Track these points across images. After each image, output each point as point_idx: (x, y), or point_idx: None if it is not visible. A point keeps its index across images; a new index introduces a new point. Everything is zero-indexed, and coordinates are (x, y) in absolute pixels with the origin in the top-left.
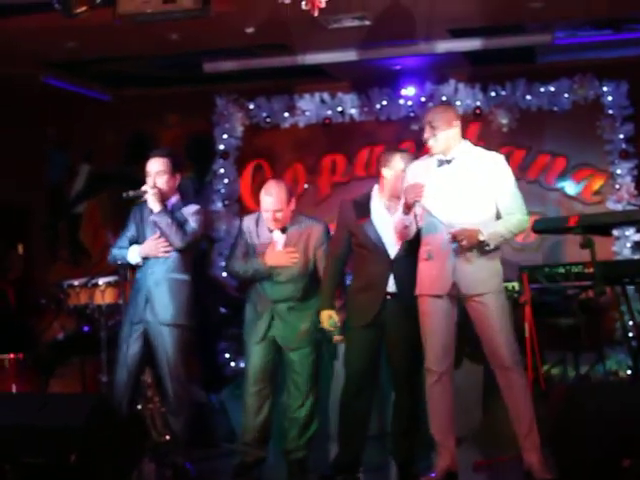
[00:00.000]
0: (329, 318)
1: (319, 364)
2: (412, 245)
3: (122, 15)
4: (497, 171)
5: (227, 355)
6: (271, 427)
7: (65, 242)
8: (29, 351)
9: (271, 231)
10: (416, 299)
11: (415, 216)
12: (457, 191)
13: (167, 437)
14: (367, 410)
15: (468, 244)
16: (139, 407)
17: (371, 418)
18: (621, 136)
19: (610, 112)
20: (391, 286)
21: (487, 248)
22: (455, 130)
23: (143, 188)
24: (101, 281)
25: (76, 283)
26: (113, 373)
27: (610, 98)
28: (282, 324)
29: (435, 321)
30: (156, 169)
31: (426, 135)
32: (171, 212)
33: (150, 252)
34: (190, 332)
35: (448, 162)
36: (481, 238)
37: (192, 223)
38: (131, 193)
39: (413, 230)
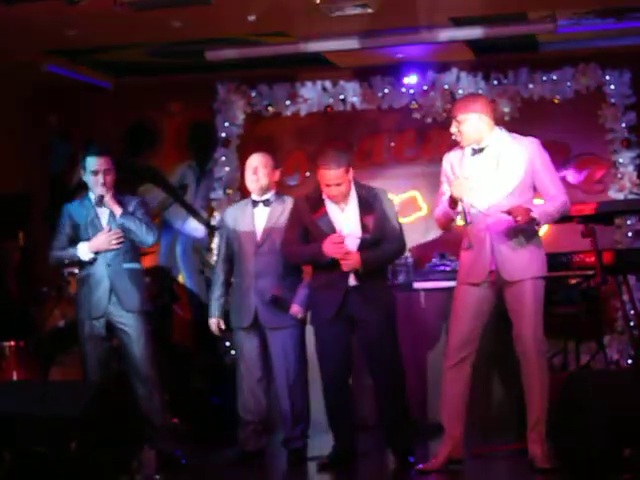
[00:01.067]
0: None
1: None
2: (366, 242)
3: (123, 2)
4: (531, 156)
5: (227, 343)
6: (269, 414)
7: None
8: (30, 339)
9: (255, 205)
10: (379, 290)
11: (463, 210)
12: (492, 178)
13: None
14: (348, 402)
15: (523, 220)
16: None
17: (369, 408)
18: (623, 125)
19: (612, 101)
20: (352, 280)
21: (537, 227)
22: (484, 118)
23: (98, 192)
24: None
25: (77, 271)
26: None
27: (613, 87)
28: (265, 304)
29: (466, 309)
30: (104, 167)
31: (451, 129)
32: (131, 212)
33: (102, 246)
34: (149, 317)
35: (480, 151)
36: (533, 215)
37: (148, 220)
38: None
39: (455, 224)
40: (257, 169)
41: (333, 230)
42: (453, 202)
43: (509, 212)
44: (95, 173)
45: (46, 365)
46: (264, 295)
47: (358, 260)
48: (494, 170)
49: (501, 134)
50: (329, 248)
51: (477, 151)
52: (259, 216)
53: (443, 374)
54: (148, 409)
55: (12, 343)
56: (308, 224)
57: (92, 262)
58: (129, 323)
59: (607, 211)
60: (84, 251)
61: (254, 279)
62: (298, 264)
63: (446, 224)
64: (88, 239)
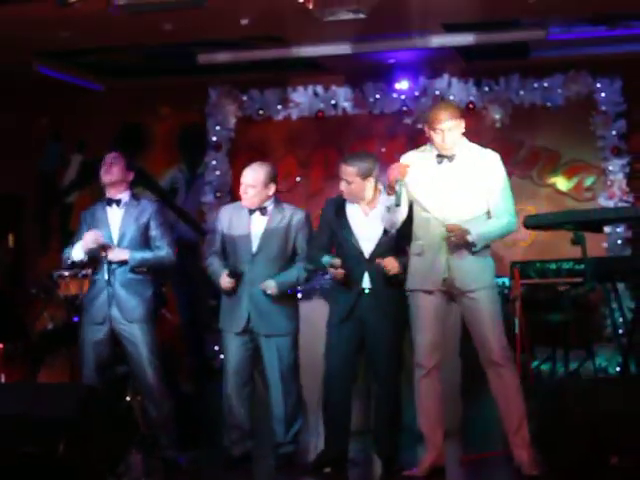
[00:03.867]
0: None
1: (297, 354)
2: (387, 245)
3: (117, 5)
4: (492, 170)
5: (216, 347)
6: (253, 419)
7: (56, 232)
8: (19, 341)
9: (252, 212)
10: (392, 296)
11: (398, 197)
12: (454, 188)
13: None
14: (348, 405)
15: (456, 241)
16: (128, 398)
17: (357, 414)
18: (614, 133)
19: (603, 108)
20: (366, 283)
21: (473, 249)
22: (460, 127)
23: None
24: (91, 272)
25: (66, 273)
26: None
27: (603, 94)
28: (259, 310)
29: (425, 316)
30: (109, 160)
31: (435, 137)
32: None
33: (88, 244)
34: (155, 326)
35: (449, 159)
36: (469, 239)
37: (165, 231)
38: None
39: (398, 217)
40: (247, 188)
41: (352, 234)
42: (389, 187)
43: (449, 229)
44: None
45: (35, 367)
46: (258, 302)
47: (397, 265)
48: (459, 181)
49: (467, 144)
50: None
51: (445, 158)
52: (256, 224)
53: (416, 385)
54: (154, 417)
55: (1, 345)
56: (333, 226)
57: (97, 266)
58: (132, 333)
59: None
60: (76, 251)
61: (248, 285)
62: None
63: (389, 219)
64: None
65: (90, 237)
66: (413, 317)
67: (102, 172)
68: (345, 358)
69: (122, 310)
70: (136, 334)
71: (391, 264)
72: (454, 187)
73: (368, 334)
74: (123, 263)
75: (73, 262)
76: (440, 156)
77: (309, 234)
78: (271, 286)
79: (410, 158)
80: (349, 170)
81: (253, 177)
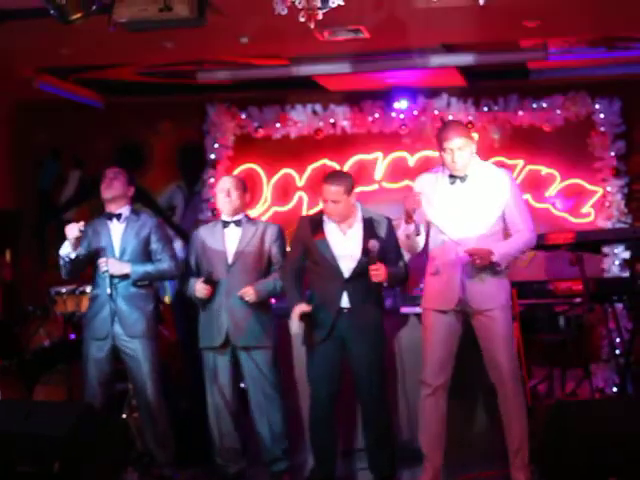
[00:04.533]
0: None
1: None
2: (365, 265)
3: (117, 23)
4: (506, 188)
5: None
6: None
7: (54, 249)
8: (14, 358)
9: (226, 225)
10: (370, 315)
11: (417, 226)
12: (468, 208)
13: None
14: (333, 421)
15: (481, 263)
16: (124, 416)
17: (350, 433)
18: (612, 154)
19: (602, 129)
20: (345, 303)
21: (498, 269)
22: (471, 146)
23: (101, 266)
24: (88, 289)
25: (63, 290)
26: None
27: (602, 115)
28: (237, 322)
29: (436, 335)
30: (110, 175)
31: (445, 157)
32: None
33: (69, 235)
34: (157, 342)
35: (462, 180)
36: (494, 259)
37: (166, 245)
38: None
39: (418, 241)
40: (230, 191)
41: (331, 254)
42: (407, 216)
43: (470, 254)
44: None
45: (30, 384)
46: (236, 313)
47: (385, 272)
48: (473, 201)
49: (480, 163)
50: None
51: (458, 179)
52: (230, 236)
53: (421, 403)
54: (151, 434)
55: None
56: (309, 245)
57: (100, 283)
58: (135, 348)
59: (586, 240)
60: (64, 247)
61: (225, 298)
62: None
63: (409, 245)
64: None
65: (70, 228)
66: (423, 335)
67: (103, 187)
68: (327, 378)
69: (124, 326)
70: (137, 349)
71: (378, 271)
72: (468, 207)
73: (349, 353)
74: (125, 277)
75: (66, 261)
76: (452, 177)
77: (283, 246)
78: (250, 293)
79: (423, 180)
80: (335, 190)
81: (233, 182)
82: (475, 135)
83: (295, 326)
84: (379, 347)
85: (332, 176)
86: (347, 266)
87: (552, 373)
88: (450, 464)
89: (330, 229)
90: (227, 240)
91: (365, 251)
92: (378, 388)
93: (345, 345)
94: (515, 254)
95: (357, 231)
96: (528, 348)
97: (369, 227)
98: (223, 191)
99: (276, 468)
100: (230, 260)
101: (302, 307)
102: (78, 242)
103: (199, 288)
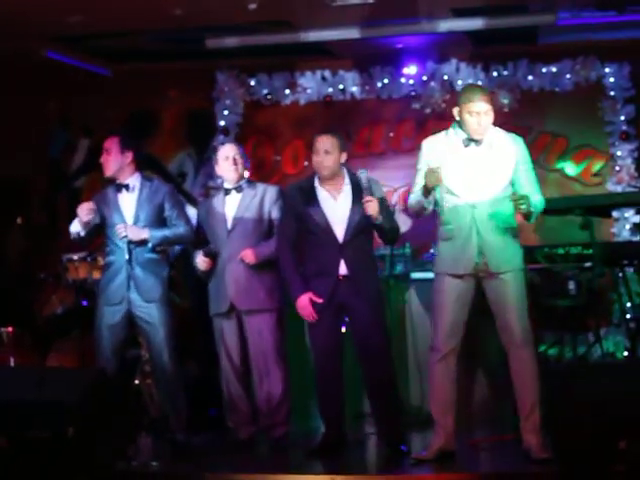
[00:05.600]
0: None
1: (282, 334)
2: (358, 228)
3: None
4: (518, 153)
5: None
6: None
7: (64, 217)
8: (28, 325)
9: (227, 193)
10: (369, 280)
11: (435, 199)
12: (482, 171)
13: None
14: (340, 388)
15: (526, 208)
16: (137, 382)
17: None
18: (622, 118)
19: (612, 94)
20: (343, 269)
21: (530, 220)
22: (492, 112)
23: (120, 232)
24: (100, 256)
25: (75, 257)
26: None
27: (612, 80)
28: (240, 285)
29: (449, 300)
30: (107, 146)
31: (470, 120)
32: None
33: (82, 217)
34: (171, 307)
35: (477, 143)
36: (531, 209)
37: (180, 210)
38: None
39: (429, 210)
40: (235, 159)
41: (325, 220)
42: (427, 191)
43: (516, 199)
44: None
45: (44, 351)
46: (238, 277)
47: (377, 206)
48: (488, 164)
49: (494, 128)
50: (303, 309)
51: (472, 142)
52: (230, 203)
53: (430, 367)
54: (164, 399)
55: (10, 329)
56: (302, 214)
57: (115, 250)
58: (150, 313)
59: (596, 204)
60: (74, 225)
61: (227, 263)
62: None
63: (419, 211)
64: (113, 226)
65: (83, 209)
66: (434, 300)
67: (102, 165)
68: (330, 344)
69: (140, 291)
70: (154, 314)
71: (372, 203)
72: (482, 170)
73: (351, 319)
74: (141, 243)
75: (77, 237)
76: (468, 140)
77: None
78: (249, 254)
79: (432, 143)
80: (330, 141)
81: (237, 150)
82: None
83: (309, 313)
84: (379, 312)
85: (327, 129)
86: (341, 231)
87: (562, 338)
88: (461, 429)
89: (321, 196)
90: (227, 206)
91: (356, 213)
92: (380, 353)
93: (345, 311)
94: (538, 211)
95: (347, 195)
96: (538, 313)
97: (357, 189)
98: (228, 159)
99: (275, 434)
100: (229, 225)
101: (308, 297)
102: (88, 223)
103: (199, 261)
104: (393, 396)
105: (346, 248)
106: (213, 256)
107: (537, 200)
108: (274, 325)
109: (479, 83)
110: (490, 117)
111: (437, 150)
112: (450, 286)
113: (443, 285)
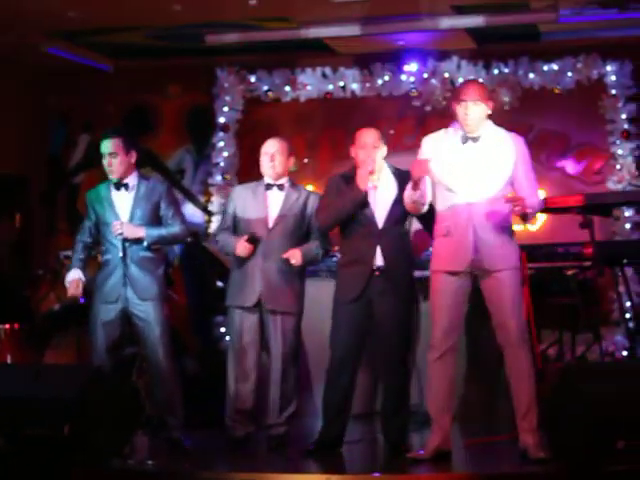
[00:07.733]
0: None
1: (299, 338)
2: (397, 217)
3: None
4: (517, 152)
5: (222, 329)
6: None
7: (64, 213)
8: (25, 322)
9: (268, 188)
10: (403, 276)
11: (423, 193)
12: (480, 169)
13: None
14: (351, 387)
15: (520, 211)
16: (133, 380)
17: (361, 396)
18: (623, 116)
19: (613, 92)
20: (378, 260)
21: (527, 221)
22: (486, 107)
23: (115, 229)
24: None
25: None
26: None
27: (613, 78)
28: (271, 285)
29: (446, 298)
30: (111, 150)
31: (459, 112)
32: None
33: (70, 292)
34: (167, 305)
35: (474, 140)
36: (528, 210)
37: (176, 210)
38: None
39: (423, 204)
40: (274, 156)
41: (370, 209)
42: (414, 183)
43: (511, 200)
44: (104, 156)
45: (41, 348)
46: (271, 277)
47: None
48: (486, 162)
49: (493, 126)
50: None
51: (470, 140)
52: (273, 200)
53: (428, 366)
54: (160, 397)
55: (7, 326)
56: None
57: (110, 248)
58: (146, 311)
59: (596, 203)
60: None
61: (262, 260)
62: (338, 223)
63: (414, 207)
64: (108, 224)
65: (72, 285)
66: (432, 298)
67: (106, 168)
68: (353, 339)
69: (136, 289)
70: (149, 312)
71: (295, 256)
72: (479, 168)
73: (378, 316)
74: (137, 241)
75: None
76: (465, 137)
77: None
78: (297, 255)
79: (431, 141)
80: (375, 135)
81: (279, 146)
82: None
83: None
84: (409, 311)
85: (370, 127)
86: (381, 216)
87: (562, 337)
88: (458, 428)
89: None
90: (269, 203)
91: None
92: (404, 353)
93: (374, 307)
94: (535, 209)
95: (386, 184)
96: (538, 312)
97: (400, 179)
98: (267, 155)
99: (275, 432)
100: (271, 224)
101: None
102: (76, 297)
103: (241, 247)
104: (404, 398)
105: (384, 234)
106: (256, 243)
107: (534, 201)
108: (295, 328)
109: (480, 81)
110: (480, 108)
111: (435, 147)
112: (447, 284)
113: (439, 283)
